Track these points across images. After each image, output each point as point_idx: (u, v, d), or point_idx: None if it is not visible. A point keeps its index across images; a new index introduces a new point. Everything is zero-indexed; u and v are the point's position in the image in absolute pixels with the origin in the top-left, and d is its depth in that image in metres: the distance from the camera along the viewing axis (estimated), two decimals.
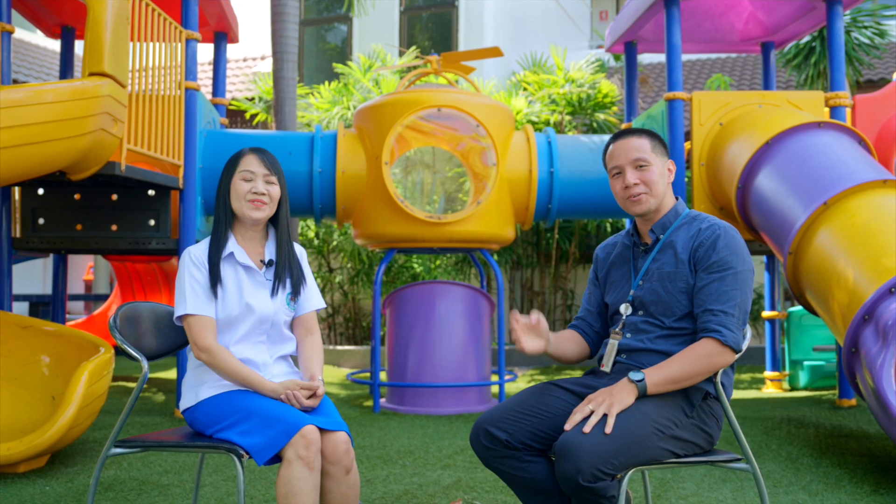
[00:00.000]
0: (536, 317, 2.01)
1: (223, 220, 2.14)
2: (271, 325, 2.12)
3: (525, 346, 2.00)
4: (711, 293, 1.91)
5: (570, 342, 2.14)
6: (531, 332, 2.03)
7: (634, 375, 1.85)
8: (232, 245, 2.13)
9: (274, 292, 2.13)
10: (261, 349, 2.11)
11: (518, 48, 10.01)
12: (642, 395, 1.85)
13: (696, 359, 1.87)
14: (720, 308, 1.89)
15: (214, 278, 2.07)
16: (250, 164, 2.12)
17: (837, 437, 3.84)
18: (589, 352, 2.18)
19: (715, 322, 1.88)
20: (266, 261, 2.15)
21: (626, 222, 5.77)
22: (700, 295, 1.93)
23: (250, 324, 2.09)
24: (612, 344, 2.03)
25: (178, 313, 2.07)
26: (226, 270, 2.10)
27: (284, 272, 2.15)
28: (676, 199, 2.10)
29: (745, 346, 1.98)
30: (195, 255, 2.09)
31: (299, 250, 2.25)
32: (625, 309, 2.04)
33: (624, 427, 1.77)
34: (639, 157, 2.02)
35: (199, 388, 2.07)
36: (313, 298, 2.23)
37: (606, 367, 2.03)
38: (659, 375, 1.86)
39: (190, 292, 2.05)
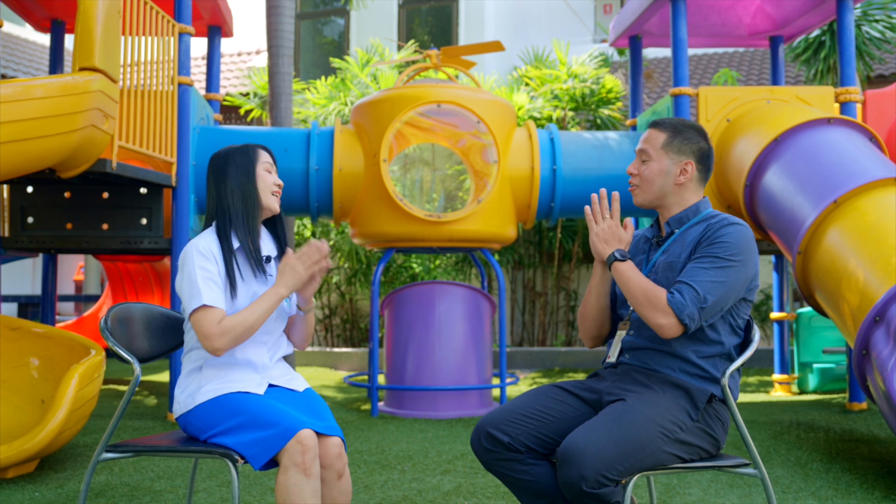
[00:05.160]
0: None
1: (238, 213, 2.07)
2: (275, 320, 2.10)
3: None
4: (688, 271, 1.90)
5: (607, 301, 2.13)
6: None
7: (620, 253, 1.96)
8: (237, 239, 2.09)
9: None
10: (262, 350, 2.08)
11: (520, 42, 9.94)
12: (609, 265, 1.97)
13: (647, 295, 1.89)
14: (684, 279, 1.88)
15: (231, 271, 2.01)
16: (267, 157, 2.15)
17: (848, 442, 3.80)
18: (608, 332, 2.14)
19: (675, 287, 1.88)
20: (265, 257, 2.13)
21: (631, 220, 5.69)
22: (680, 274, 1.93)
23: None
24: (620, 335, 2.03)
25: (194, 305, 1.95)
26: (238, 262, 2.06)
27: None
28: (703, 197, 2.07)
29: (752, 349, 1.93)
30: (203, 248, 2.02)
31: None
32: None
33: (628, 432, 1.76)
34: (643, 148, 2.06)
35: (193, 393, 2.04)
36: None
37: (612, 357, 2.02)
38: (627, 272, 1.93)
39: (203, 284, 1.96)
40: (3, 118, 3.00)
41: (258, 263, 2.04)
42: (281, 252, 2.16)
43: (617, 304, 2.12)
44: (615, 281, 2.00)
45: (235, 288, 2.01)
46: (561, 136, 5.00)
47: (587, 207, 2.02)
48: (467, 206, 4.72)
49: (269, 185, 2.11)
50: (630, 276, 1.93)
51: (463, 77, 6.74)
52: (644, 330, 1.98)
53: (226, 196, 2.07)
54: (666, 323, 1.85)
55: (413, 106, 4.62)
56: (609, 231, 2.00)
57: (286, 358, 2.22)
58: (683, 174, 2.01)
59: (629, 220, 2.03)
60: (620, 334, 2.03)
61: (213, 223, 2.08)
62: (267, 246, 2.15)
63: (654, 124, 2.07)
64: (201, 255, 2.00)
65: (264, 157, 2.13)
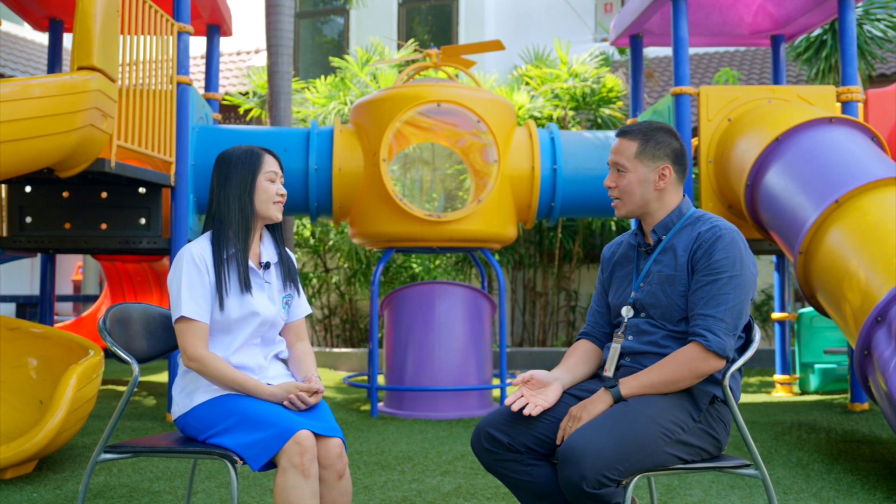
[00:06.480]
0: (524, 376, 1.93)
1: (234, 225, 2.07)
2: (269, 327, 2.10)
3: (540, 404, 1.88)
4: (703, 296, 1.87)
5: (583, 364, 2.06)
6: (534, 389, 1.92)
7: (609, 384, 1.86)
8: (232, 247, 2.08)
9: (279, 294, 2.14)
10: (255, 352, 2.09)
11: (520, 41, 9.93)
12: (617, 401, 1.86)
13: (677, 365, 1.85)
14: (709, 312, 1.85)
15: (220, 281, 2.02)
16: (272, 164, 2.12)
17: (849, 443, 3.79)
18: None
19: (701, 326, 1.85)
20: (263, 263, 2.12)
21: (632, 221, 5.70)
22: (693, 298, 1.89)
23: (252, 327, 2.06)
24: (615, 348, 2.00)
25: (175, 315, 2.01)
26: (229, 271, 2.06)
27: (287, 274, 2.16)
28: (683, 196, 2.04)
29: (753, 350, 1.93)
30: (197, 255, 2.03)
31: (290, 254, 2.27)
32: (626, 311, 2.01)
33: (629, 432, 1.75)
34: (616, 161, 2.02)
35: (191, 393, 2.04)
36: (303, 304, 2.23)
37: (609, 371, 1.99)
38: (636, 382, 1.86)
39: (187, 294, 1.99)
40: (1, 118, 2.99)
41: (246, 278, 2.04)
42: (280, 257, 2.16)
43: (611, 314, 2.08)
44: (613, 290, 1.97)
45: (223, 299, 2.02)
46: (561, 136, 4.98)
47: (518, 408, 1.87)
48: (467, 205, 4.71)
49: (270, 195, 2.09)
50: (645, 382, 1.86)
51: (463, 76, 6.73)
52: (642, 335, 1.96)
53: (223, 205, 2.08)
54: (716, 365, 1.84)
55: (413, 105, 4.60)
56: (578, 410, 1.85)
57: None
58: (662, 179, 1.99)
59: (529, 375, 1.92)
60: (615, 347, 1.99)
61: (210, 230, 2.09)
62: (268, 251, 2.15)
63: (623, 133, 2.02)
64: (193, 264, 2.01)
65: (268, 166, 2.10)
